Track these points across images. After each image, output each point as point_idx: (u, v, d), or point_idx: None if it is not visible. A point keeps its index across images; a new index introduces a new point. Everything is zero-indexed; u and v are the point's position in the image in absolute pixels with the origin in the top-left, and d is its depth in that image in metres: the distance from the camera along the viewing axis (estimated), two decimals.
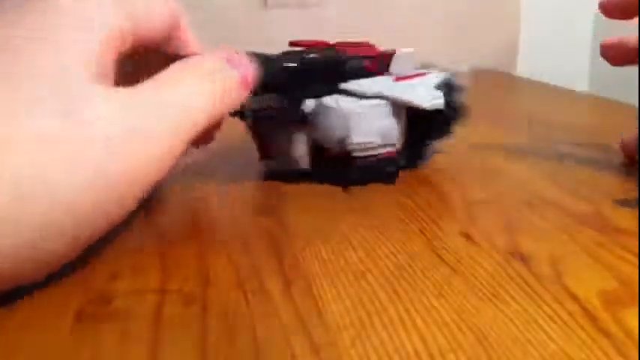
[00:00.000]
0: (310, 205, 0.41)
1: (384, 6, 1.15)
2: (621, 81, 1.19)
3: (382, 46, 0.48)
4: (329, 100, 0.43)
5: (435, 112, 0.44)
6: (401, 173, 0.46)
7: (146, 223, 0.37)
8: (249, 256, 0.33)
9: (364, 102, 0.43)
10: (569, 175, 0.47)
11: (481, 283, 0.29)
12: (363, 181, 0.45)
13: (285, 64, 0.42)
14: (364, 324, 0.26)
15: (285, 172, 0.46)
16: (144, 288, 0.29)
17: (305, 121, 0.43)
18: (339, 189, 0.44)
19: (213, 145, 0.43)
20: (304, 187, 0.44)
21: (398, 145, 0.45)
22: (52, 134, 0.26)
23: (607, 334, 0.25)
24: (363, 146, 0.44)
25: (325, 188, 0.44)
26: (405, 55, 0.47)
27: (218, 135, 0.43)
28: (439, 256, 0.32)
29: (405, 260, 0.32)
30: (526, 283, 0.29)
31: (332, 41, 0.47)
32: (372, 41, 0.48)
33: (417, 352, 0.24)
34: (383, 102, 0.44)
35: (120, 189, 0.29)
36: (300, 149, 0.45)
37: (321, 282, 0.30)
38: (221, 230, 0.36)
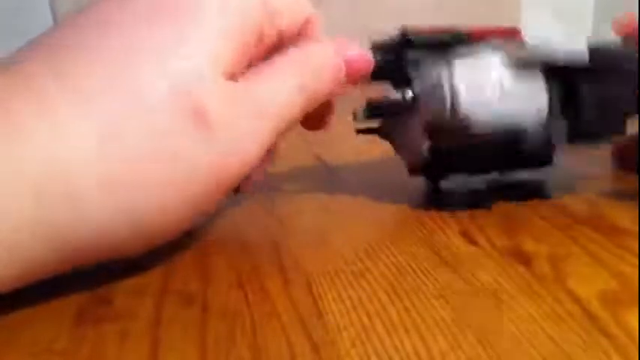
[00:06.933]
0: (310, 205, 0.41)
1: (383, 5, 1.15)
2: None
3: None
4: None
5: None
6: (400, 173, 0.46)
7: None
8: (249, 256, 0.33)
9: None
10: (569, 174, 0.47)
11: (481, 283, 0.29)
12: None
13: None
14: (364, 324, 0.26)
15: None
16: (144, 288, 0.29)
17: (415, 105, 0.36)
18: (338, 189, 0.44)
19: None
20: (304, 187, 0.44)
21: None
22: None
23: (607, 334, 0.25)
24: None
25: (325, 188, 0.44)
26: None
27: None
28: (439, 257, 0.32)
29: (405, 260, 0.32)
30: (526, 283, 0.29)
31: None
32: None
33: (417, 352, 0.24)
34: None
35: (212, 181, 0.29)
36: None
37: (321, 282, 0.30)
38: (221, 230, 0.36)
